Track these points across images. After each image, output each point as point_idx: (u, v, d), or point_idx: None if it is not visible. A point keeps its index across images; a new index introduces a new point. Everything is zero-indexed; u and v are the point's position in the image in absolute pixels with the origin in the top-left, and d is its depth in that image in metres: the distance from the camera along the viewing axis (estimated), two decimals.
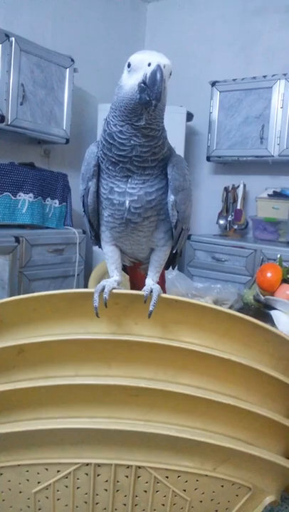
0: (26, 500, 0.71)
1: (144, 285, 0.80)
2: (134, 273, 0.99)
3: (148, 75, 0.70)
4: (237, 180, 3.76)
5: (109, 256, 0.87)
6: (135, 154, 0.76)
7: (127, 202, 0.78)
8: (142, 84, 0.71)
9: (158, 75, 0.69)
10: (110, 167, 0.79)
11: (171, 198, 0.80)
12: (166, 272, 1.03)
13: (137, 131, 0.74)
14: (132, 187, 0.78)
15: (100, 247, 0.90)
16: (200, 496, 0.70)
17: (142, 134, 0.75)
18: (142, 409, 0.69)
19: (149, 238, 0.84)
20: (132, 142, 0.75)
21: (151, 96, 0.70)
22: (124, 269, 0.96)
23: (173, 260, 0.94)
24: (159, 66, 0.69)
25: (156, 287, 0.75)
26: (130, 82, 0.73)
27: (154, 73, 0.69)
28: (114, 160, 0.77)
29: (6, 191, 2.86)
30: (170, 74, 0.73)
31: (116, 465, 0.68)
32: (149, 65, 0.70)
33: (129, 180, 0.78)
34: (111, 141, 0.76)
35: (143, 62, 0.71)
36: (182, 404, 0.69)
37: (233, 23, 3.87)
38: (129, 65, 0.73)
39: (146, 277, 0.86)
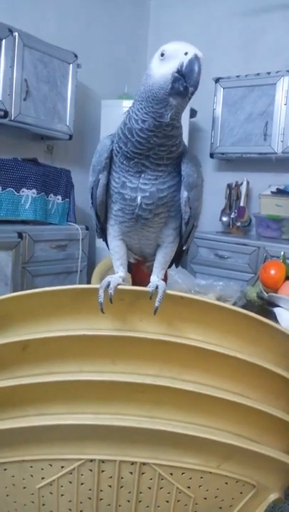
0: (30, 495, 0.71)
1: (147, 283, 0.80)
2: (138, 271, 0.98)
3: (185, 63, 0.69)
4: (240, 177, 3.75)
5: (115, 251, 0.87)
6: (153, 153, 0.75)
7: (139, 198, 0.78)
8: (176, 74, 0.70)
9: (196, 63, 0.69)
10: (124, 161, 0.78)
11: (184, 194, 0.79)
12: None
13: (159, 130, 0.73)
14: (145, 183, 0.77)
15: (104, 240, 0.90)
16: (204, 492, 0.70)
17: (162, 134, 0.74)
18: (147, 406, 0.69)
19: (158, 234, 0.84)
20: (152, 142, 0.74)
21: (189, 83, 0.69)
22: (128, 267, 0.95)
23: (179, 258, 0.94)
24: (196, 55, 0.69)
25: (162, 284, 0.75)
26: (162, 70, 0.72)
27: (192, 61, 0.69)
28: (129, 155, 0.77)
29: (9, 187, 2.85)
30: None
31: (120, 461, 0.68)
32: (186, 54, 0.69)
33: (142, 175, 0.77)
34: (129, 136, 0.75)
35: (179, 51, 0.70)
36: (187, 401, 0.69)
37: (236, 20, 3.84)
38: (162, 54, 0.72)
39: (149, 275, 0.86)
